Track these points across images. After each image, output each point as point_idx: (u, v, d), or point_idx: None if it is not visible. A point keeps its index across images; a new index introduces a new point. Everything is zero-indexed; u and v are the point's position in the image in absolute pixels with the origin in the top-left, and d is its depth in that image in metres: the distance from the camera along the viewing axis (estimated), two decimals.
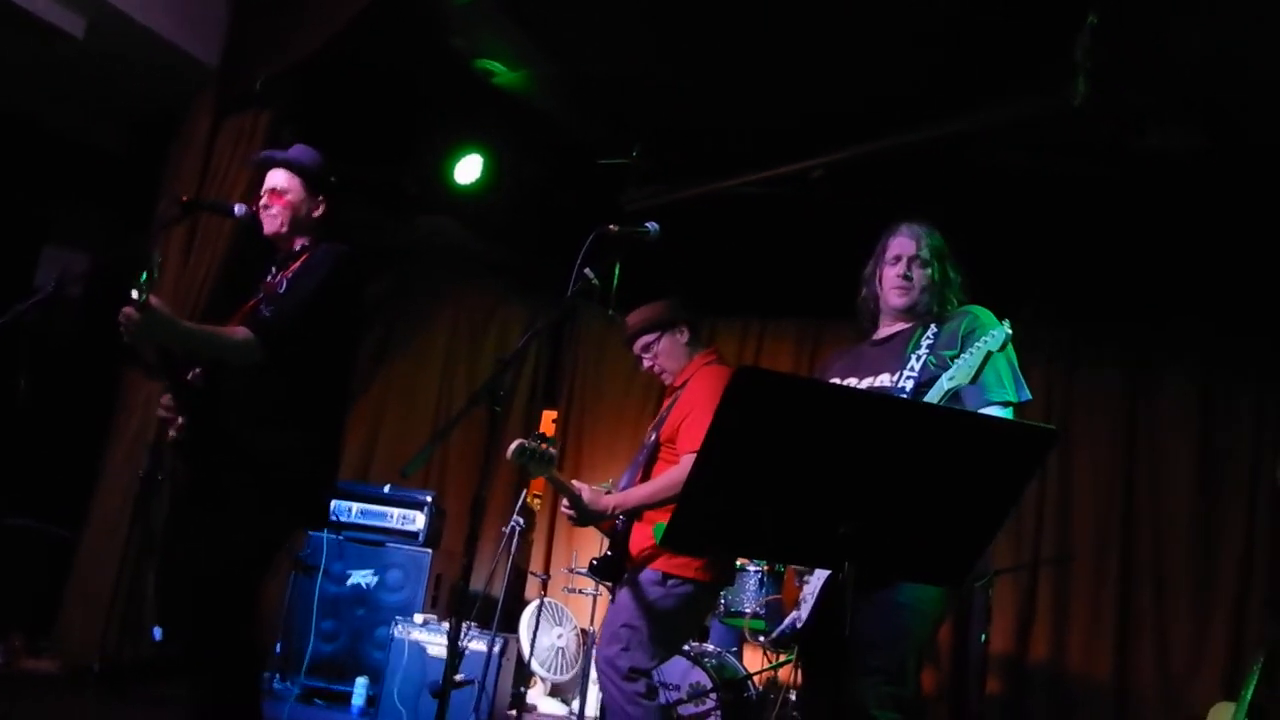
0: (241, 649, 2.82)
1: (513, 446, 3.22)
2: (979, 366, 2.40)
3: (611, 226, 2.98)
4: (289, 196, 3.09)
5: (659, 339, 3.58)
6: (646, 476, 3.46)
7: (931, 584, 2.47)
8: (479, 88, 5.35)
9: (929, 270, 2.82)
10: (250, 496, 2.82)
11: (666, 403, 3.58)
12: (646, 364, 3.62)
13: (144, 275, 2.51)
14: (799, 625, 2.75)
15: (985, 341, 2.40)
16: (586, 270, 2.91)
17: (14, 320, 3.01)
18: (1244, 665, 4.80)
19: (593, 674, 5.43)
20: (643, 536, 3.36)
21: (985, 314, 2.73)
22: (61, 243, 6.16)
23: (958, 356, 2.62)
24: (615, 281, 5.80)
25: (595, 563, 3.48)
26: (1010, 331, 2.39)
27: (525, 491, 5.47)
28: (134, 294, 2.51)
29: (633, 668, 3.22)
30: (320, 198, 3.14)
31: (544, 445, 3.24)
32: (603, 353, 7.30)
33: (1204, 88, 4.27)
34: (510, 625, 5.91)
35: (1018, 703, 5.55)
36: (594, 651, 3.47)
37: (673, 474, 3.31)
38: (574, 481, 3.37)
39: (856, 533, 1.88)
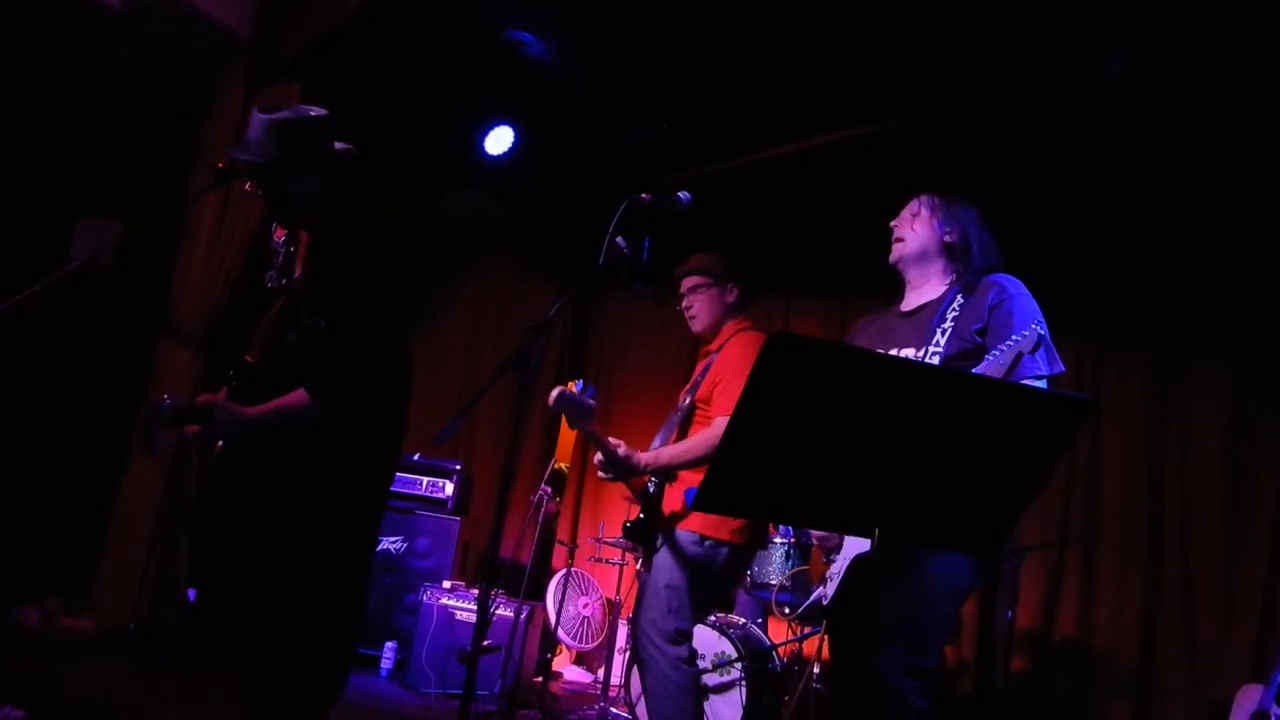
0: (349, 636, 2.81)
1: (554, 393, 3.22)
2: (1010, 366, 2.38)
3: (644, 196, 2.98)
4: (284, 195, 2.73)
5: (709, 286, 3.60)
6: (682, 438, 3.48)
7: (964, 553, 2.47)
8: (509, 59, 5.35)
9: (918, 225, 2.86)
10: (334, 491, 2.68)
11: (701, 366, 3.60)
12: (684, 303, 3.66)
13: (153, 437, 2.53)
14: (825, 601, 2.76)
15: (1017, 341, 2.36)
16: (619, 239, 2.91)
17: (48, 290, 3.01)
18: (1272, 646, 4.78)
19: (618, 643, 5.48)
20: (675, 499, 3.39)
21: (1015, 285, 2.70)
22: (95, 214, 6.23)
23: (985, 332, 2.61)
24: (645, 252, 5.81)
25: (629, 525, 3.50)
26: (1043, 333, 2.36)
27: (553, 460, 5.52)
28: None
29: (678, 629, 3.25)
30: (317, 169, 2.71)
31: (586, 396, 3.25)
32: (631, 325, 7.30)
33: (1239, 67, 4.21)
34: (537, 593, 5.96)
35: (1043, 680, 5.55)
36: (633, 619, 3.49)
37: (705, 435, 3.33)
38: (610, 438, 3.38)
39: (888, 500, 1.88)
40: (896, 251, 2.90)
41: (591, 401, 3.27)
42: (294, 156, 2.65)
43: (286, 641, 2.63)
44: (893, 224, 2.92)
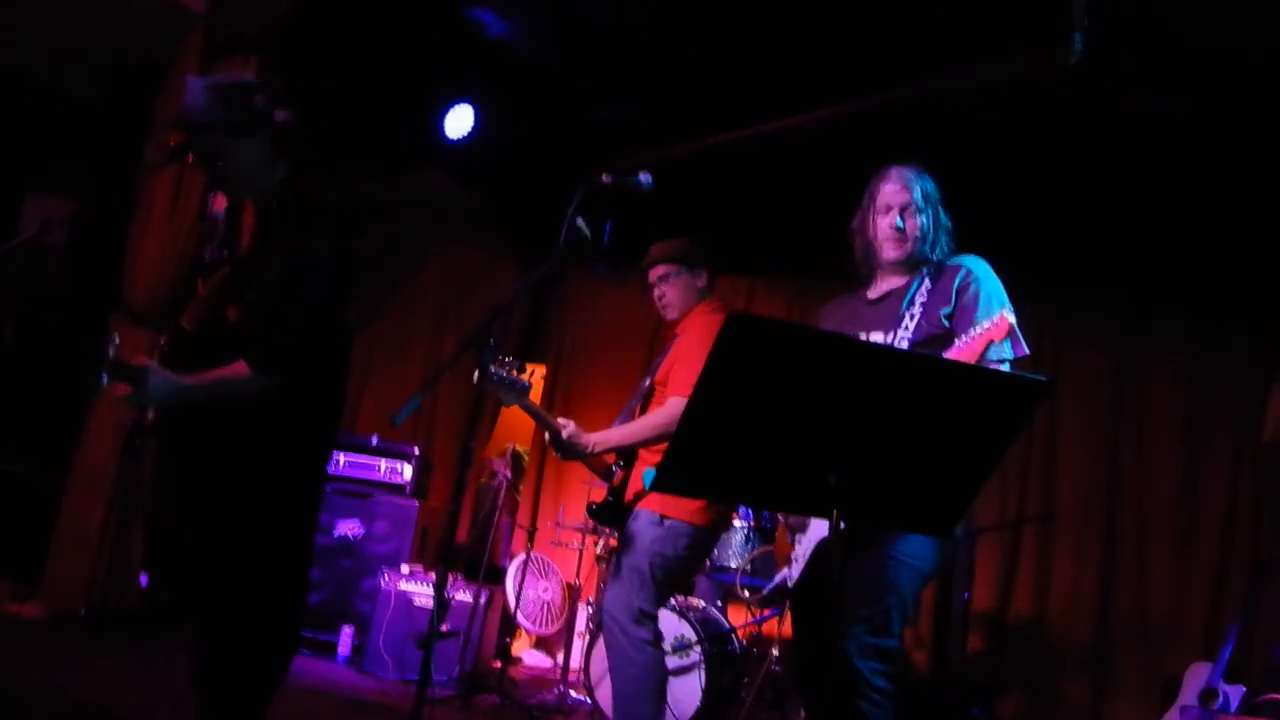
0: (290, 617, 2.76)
1: (478, 371, 3.16)
2: (981, 354, 2.37)
3: (604, 177, 2.95)
4: (223, 160, 2.62)
5: (677, 273, 3.59)
6: None
7: (920, 533, 2.48)
8: (470, 38, 5.29)
9: (922, 218, 2.76)
10: (272, 469, 2.61)
11: (666, 347, 3.60)
12: (656, 293, 3.65)
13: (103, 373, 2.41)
14: (789, 583, 2.77)
15: (987, 330, 2.36)
16: (578, 220, 2.89)
17: None
18: (1222, 626, 4.87)
19: (578, 627, 5.47)
20: (637, 479, 3.39)
21: (981, 267, 2.70)
22: (45, 191, 6.09)
23: (952, 315, 2.61)
24: (606, 235, 5.77)
25: (594, 507, 3.49)
26: (1011, 321, 2.36)
27: (511, 444, 5.49)
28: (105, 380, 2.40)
29: (641, 609, 3.25)
30: (256, 134, 2.60)
31: (515, 372, 3.17)
32: (592, 307, 7.27)
33: (1199, 51, 4.25)
34: (496, 577, 5.94)
35: (999, 659, 5.63)
36: (598, 601, 3.50)
37: (657, 415, 3.33)
38: (559, 418, 3.36)
39: (847, 480, 1.88)
40: (905, 250, 2.77)
41: (525, 378, 3.23)
42: (227, 119, 2.57)
43: (230, 621, 2.60)
44: (897, 224, 2.76)
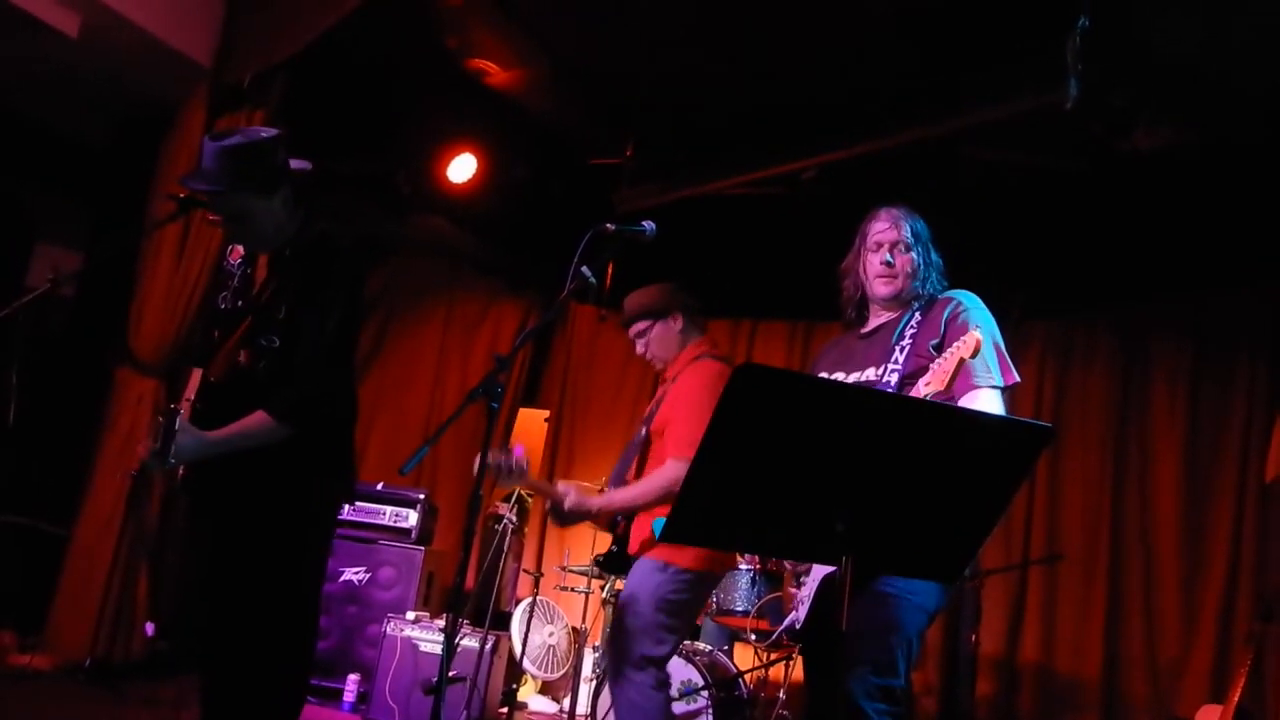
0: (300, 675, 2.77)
1: (478, 462, 3.25)
2: (953, 373, 2.39)
3: (608, 226, 2.99)
4: (247, 220, 2.67)
5: (652, 326, 3.60)
6: (640, 469, 3.49)
7: (929, 579, 2.49)
8: (471, 86, 5.36)
9: (912, 255, 2.81)
10: (287, 519, 2.65)
11: (659, 393, 3.61)
12: (639, 349, 3.66)
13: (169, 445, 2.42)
14: (798, 625, 2.77)
15: (957, 347, 2.38)
16: (584, 269, 2.92)
17: (6, 318, 2.95)
18: (1231, 666, 4.84)
19: (584, 672, 5.44)
20: (643, 529, 3.40)
21: (970, 299, 2.73)
22: (52, 240, 6.14)
23: (941, 347, 2.63)
24: (608, 281, 5.82)
25: (601, 559, 3.52)
26: (980, 337, 2.35)
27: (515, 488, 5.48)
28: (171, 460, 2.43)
29: (643, 655, 3.24)
30: (277, 192, 2.66)
31: (514, 457, 3.24)
32: (594, 352, 7.30)
33: (1188, 88, 4.31)
34: (502, 623, 5.91)
35: (1007, 702, 5.58)
36: (605, 645, 3.50)
37: (657, 478, 3.33)
38: (559, 484, 3.39)
39: (854, 528, 1.90)
40: (896, 287, 2.82)
41: (523, 461, 3.26)
42: (252, 180, 2.61)
43: (243, 671, 2.59)
44: (887, 259, 2.81)
